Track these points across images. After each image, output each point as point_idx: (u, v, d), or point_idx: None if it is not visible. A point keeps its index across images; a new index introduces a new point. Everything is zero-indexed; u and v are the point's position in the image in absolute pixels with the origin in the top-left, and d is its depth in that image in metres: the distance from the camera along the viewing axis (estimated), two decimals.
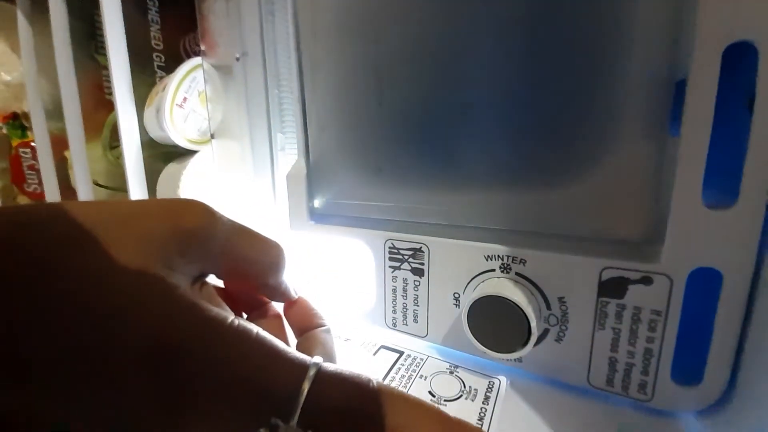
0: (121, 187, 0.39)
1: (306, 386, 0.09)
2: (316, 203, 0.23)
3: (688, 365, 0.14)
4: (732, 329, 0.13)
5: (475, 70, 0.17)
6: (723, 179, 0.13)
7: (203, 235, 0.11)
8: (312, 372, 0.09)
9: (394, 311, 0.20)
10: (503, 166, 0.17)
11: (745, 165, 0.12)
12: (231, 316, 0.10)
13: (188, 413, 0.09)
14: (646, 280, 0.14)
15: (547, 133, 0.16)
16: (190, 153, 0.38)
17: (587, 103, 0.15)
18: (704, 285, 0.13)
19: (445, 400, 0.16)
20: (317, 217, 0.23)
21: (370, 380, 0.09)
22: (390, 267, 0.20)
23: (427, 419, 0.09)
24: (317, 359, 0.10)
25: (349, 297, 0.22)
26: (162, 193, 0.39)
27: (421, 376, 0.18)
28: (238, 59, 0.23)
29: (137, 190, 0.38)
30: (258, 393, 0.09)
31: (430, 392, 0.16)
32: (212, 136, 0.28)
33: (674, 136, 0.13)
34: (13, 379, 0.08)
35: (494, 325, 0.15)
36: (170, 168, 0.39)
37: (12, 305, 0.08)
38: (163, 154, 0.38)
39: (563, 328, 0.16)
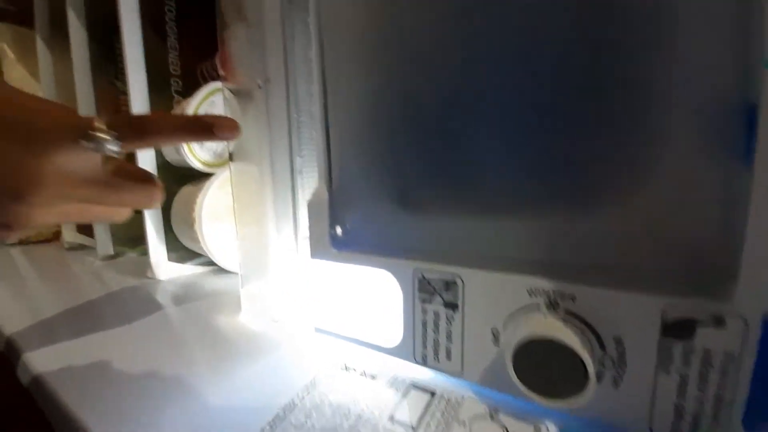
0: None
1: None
2: (339, 230, 0.22)
3: (763, 412, 0.12)
4: None
5: (512, 92, 0.16)
6: None
7: None
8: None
9: (425, 347, 0.19)
10: (546, 190, 0.16)
11: None
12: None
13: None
14: (718, 322, 0.12)
15: (597, 151, 0.15)
16: (206, 175, 0.37)
17: (644, 121, 0.14)
18: None
19: None
20: (340, 244, 0.22)
21: None
22: (420, 300, 0.19)
23: None
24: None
25: (375, 329, 0.21)
26: (178, 214, 0.38)
27: (460, 422, 0.16)
28: (260, 87, 0.23)
29: (152, 213, 0.38)
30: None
31: None
32: (231, 158, 0.27)
33: (747, 165, 0.12)
34: None
35: (545, 370, 0.14)
36: (185, 190, 0.38)
37: None
38: (178, 177, 0.38)
39: (620, 371, 0.14)
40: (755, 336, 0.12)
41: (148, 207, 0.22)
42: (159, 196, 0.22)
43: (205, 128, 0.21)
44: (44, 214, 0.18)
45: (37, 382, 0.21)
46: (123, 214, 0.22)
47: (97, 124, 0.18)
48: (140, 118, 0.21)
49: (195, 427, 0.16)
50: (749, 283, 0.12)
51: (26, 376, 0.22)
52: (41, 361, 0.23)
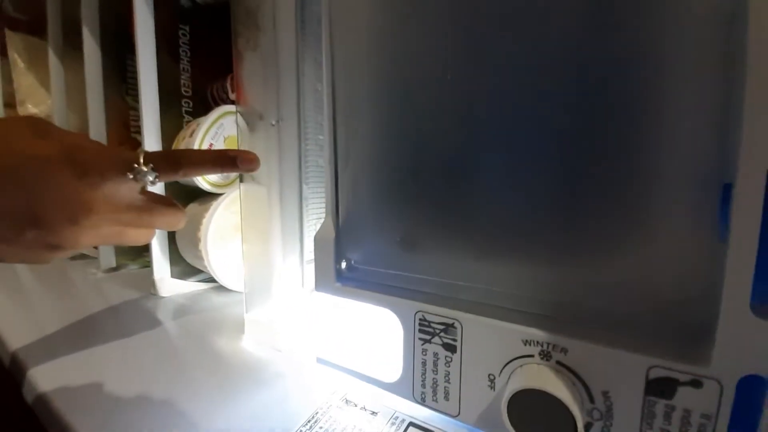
0: None
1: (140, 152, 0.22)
2: (344, 265, 0.23)
3: None
4: None
5: (515, 151, 0.17)
6: None
7: None
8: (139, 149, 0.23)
9: (423, 386, 0.20)
10: (543, 253, 0.17)
11: None
12: None
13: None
14: (696, 383, 0.13)
15: (586, 222, 0.16)
16: (211, 194, 0.38)
17: (636, 187, 0.15)
18: (752, 391, 0.13)
19: None
20: (344, 279, 0.23)
21: None
22: (420, 339, 0.20)
23: None
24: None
25: (376, 364, 0.22)
26: (183, 233, 0.39)
27: None
28: (273, 125, 0.24)
29: (158, 231, 0.38)
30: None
31: None
32: (241, 179, 0.28)
33: (722, 239, 0.13)
34: None
35: (537, 420, 0.15)
36: (191, 209, 0.39)
37: None
38: (184, 195, 0.39)
39: (608, 423, 0.15)
40: (729, 399, 0.13)
41: (175, 228, 0.26)
42: (184, 219, 0.26)
43: (229, 161, 0.24)
44: (91, 235, 0.21)
45: (42, 400, 0.22)
46: (150, 235, 0.25)
47: (141, 159, 0.22)
48: (175, 154, 0.26)
49: None
50: (724, 349, 0.13)
51: (31, 394, 0.23)
52: (45, 379, 0.23)
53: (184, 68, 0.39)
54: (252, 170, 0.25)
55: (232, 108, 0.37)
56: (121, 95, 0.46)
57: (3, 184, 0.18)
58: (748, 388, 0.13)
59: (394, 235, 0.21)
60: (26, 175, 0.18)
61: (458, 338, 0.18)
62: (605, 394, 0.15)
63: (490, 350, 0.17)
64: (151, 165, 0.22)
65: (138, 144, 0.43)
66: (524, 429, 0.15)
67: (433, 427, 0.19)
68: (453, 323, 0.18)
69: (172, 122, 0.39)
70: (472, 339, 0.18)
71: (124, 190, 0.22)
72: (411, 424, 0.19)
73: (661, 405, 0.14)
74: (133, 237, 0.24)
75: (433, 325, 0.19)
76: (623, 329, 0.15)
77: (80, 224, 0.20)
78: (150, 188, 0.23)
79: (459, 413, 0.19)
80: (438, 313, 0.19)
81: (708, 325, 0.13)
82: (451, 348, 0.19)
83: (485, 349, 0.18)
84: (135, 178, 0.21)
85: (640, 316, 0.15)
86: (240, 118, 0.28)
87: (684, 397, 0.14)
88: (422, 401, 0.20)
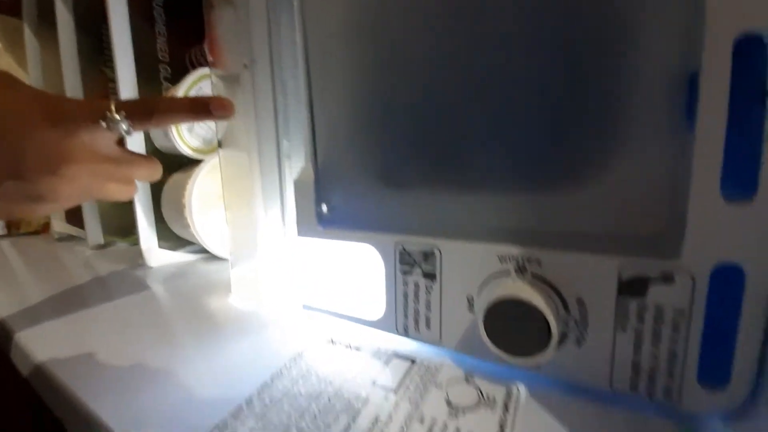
0: None
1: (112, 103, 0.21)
2: (325, 208, 0.23)
3: (715, 367, 0.14)
4: (757, 328, 0.13)
5: (484, 73, 0.17)
6: (742, 174, 0.12)
7: None
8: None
9: (406, 317, 0.20)
10: (515, 168, 0.17)
11: (763, 157, 0.12)
12: None
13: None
14: (667, 278, 0.13)
15: (559, 132, 0.16)
16: (195, 162, 0.38)
17: (599, 100, 0.15)
18: (728, 283, 0.13)
19: (463, 410, 0.15)
20: (325, 222, 0.23)
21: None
22: (401, 271, 0.20)
23: None
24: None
25: (360, 304, 0.22)
26: (168, 201, 0.39)
27: (437, 385, 0.17)
28: (246, 66, 0.24)
29: (142, 199, 0.38)
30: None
31: (447, 401, 0.16)
32: (220, 145, 0.28)
33: (691, 130, 0.13)
34: None
35: (512, 329, 0.15)
36: (175, 177, 0.39)
37: None
38: (168, 164, 0.38)
39: (583, 330, 0.15)
40: (703, 292, 0.13)
41: (153, 179, 0.26)
42: (160, 170, 0.26)
43: (203, 108, 0.24)
44: (72, 187, 0.21)
45: (38, 369, 0.21)
46: (132, 192, 0.25)
47: (113, 107, 0.21)
48: (147, 101, 0.25)
49: (187, 397, 0.17)
50: (695, 239, 0.13)
51: (25, 363, 0.23)
52: (37, 347, 0.23)
53: (159, 32, 0.38)
54: (226, 117, 0.24)
55: (209, 71, 0.36)
56: (99, 68, 0.45)
57: None
58: (723, 280, 0.13)
59: (371, 173, 0.21)
60: (1, 125, 0.18)
61: (437, 265, 0.18)
62: (579, 301, 0.15)
63: (468, 272, 0.17)
64: (124, 113, 0.21)
65: None
66: (501, 341, 0.15)
67: (417, 356, 0.19)
68: (432, 250, 0.18)
69: (151, 90, 0.38)
70: (451, 264, 0.18)
71: (100, 139, 0.21)
72: (394, 354, 0.20)
73: (633, 305, 0.14)
74: (114, 191, 0.23)
75: (413, 255, 0.19)
76: (596, 235, 0.15)
77: (58, 174, 0.20)
78: (129, 141, 0.23)
79: (441, 339, 0.19)
80: (417, 243, 0.19)
81: (679, 219, 0.13)
82: (431, 276, 0.19)
83: (463, 272, 0.18)
84: (108, 127, 0.21)
85: (613, 220, 0.15)
86: (215, 77, 0.27)
87: (656, 293, 0.14)
88: (405, 333, 0.20)
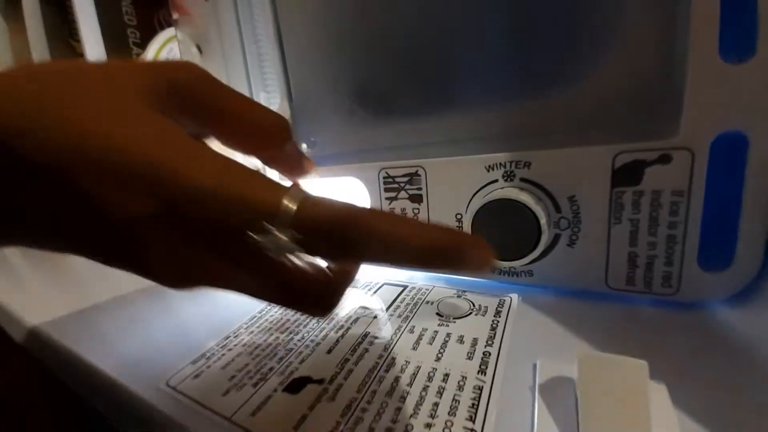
0: None
1: (287, 201, 0.09)
2: (305, 146, 0.22)
3: (716, 248, 0.13)
4: (762, 200, 0.12)
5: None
6: (740, 38, 0.11)
7: (197, 89, 0.11)
8: (296, 190, 0.09)
9: None
10: (502, 75, 0.15)
11: (759, 15, 0.11)
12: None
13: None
14: (665, 159, 0.13)
15: (550, 22, 0.14)
16: None
17: None
18: (730, 153, 0.12)
19: (454, 318, 0.15)
20: None
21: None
22: (387, 198, 0.19)
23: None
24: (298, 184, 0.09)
25: None
26: None
27: (428, 302, 0.16)
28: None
29: None
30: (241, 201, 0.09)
31: (437, 313, 0.15)
32: None
33: None
34: None
35: (501, 231, 0.14)
36: None
37: None
38: None
39: (575, 230, 0.14)
40: (703, 166, 0.12)
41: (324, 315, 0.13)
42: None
43: (450, 257, 0.10)
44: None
45: (33, 332, 0.21)
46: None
47: (282, 212, 0.09)
48: (347, 224, 0.09)
49: (186, 330, 0.17)
50: (694, 110, 0.12)
51: (18, 331, 0.23)
52: (30, 313, 0.23)
53: None
54: (483, 270, 0.10)
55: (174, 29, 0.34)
56: (66, 41, 0.43)
57: None
58: (724, 150, 0.12)
59: (349, 98, 0.20)
60: None
61: (423, 186, 0.17)
62: (571, 199, 0.14)
63: (455, 189, 0.16)
64: (293, 231, 0.09)
65: None
66: (491, 245, 0.15)
67: (405, 283, 0.19)
68: (416, 171, 0.17)
69: (120, 56, 0.37)
70: (436, 182, 0.17)
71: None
72: (385, 283, 0.19)
73: (629, 193, 0.13)
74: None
75: (397, 179, 0.18)
76: (587, 128, 0.14)
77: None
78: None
79: None
80: (400, 166, 0.18)
81: (675, 95, 0.12)
82: (417, 199, 0.18)
83: (450, 190, 0.17)
84: (256, 243, 0.09)
85: (607, 109, 0.14)
86: (180, 34, 0.25)
87: (652, 177, 0.13)
88: None
